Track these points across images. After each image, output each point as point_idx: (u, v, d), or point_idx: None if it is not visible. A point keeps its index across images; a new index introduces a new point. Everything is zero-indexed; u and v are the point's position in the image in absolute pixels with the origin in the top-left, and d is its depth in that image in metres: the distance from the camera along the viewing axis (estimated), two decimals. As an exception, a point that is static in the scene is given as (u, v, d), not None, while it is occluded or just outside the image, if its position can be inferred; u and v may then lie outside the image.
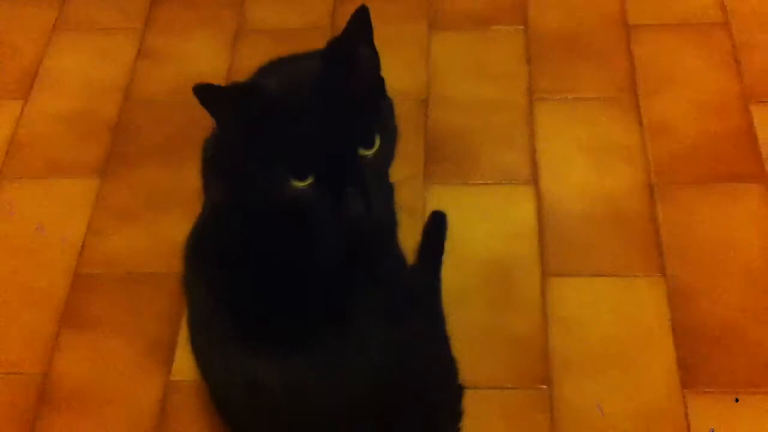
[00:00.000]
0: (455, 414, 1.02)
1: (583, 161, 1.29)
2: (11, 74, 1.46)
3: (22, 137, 1.37)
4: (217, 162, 0.98)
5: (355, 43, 0.89)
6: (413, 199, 1.26)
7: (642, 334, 1.12)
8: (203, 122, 1.37)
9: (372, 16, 1.48)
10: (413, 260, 1.15)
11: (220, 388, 0.94)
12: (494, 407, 1.07)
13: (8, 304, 1.19)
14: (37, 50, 1.48)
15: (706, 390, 1.07)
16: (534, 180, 1.27)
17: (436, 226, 1.20)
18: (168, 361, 1.12)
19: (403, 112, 1.34)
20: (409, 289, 0.99)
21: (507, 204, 1.25)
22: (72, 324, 1.17)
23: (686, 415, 1.06)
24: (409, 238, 1.20)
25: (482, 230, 1.23)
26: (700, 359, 1.09)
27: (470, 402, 1.05)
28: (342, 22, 1.46)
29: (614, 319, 1.13)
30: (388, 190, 1.01)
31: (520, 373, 1.09)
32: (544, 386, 1.08)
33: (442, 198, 1.26)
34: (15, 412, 1.10)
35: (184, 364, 1.11)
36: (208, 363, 0.93)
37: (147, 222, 1.26)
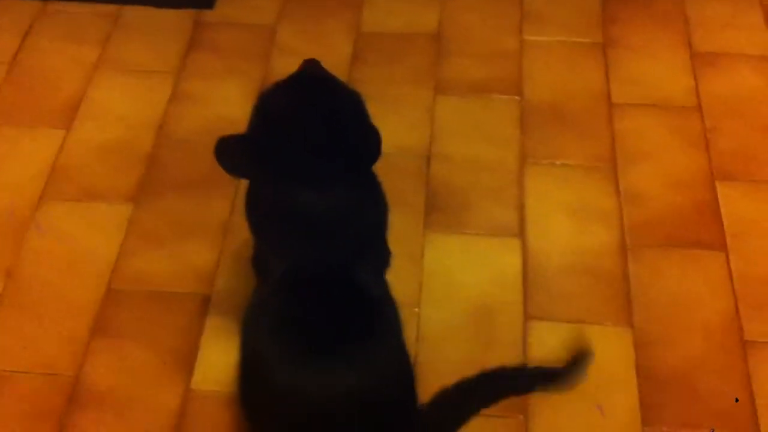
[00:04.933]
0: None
1: (565, 220, 1.45)
2: (55, 105, 1.60)
3: (64, 163, 1.51)
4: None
5: None
6: (413, 245, 1.40)
7: (610, 377, 1.26)
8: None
9: (385, 80, 1.67)
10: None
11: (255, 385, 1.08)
12: (476, 432, 1.21)
13: (47, 312, 1.32)
14: (80, 85, 1.63)
15: (663, 428, 1.21)
16: (521, 234, 1.42)
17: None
18: (188, 371, 1.25)
19: (408, 166, 1.52)
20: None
21: (496, 253, 1.40)
22: (102, 333, 1.30)
23: (644, 450, 1.20)
24: (408, 281, 1.35)
25: (473, 276, 1.38)
26: (659, 401, 1.23)
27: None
28: (359, 80, 1.64)
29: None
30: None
31: (499, 403, 1.23)
32: (521, 416, 1.22)
33: (438, 245, 1.41)
34: (47, 408, 1.22)
35: (204, 374, 1.25)
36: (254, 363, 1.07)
37: (172, 247, 1.40)
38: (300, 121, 1.08)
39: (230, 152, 1.09)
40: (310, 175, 1.08)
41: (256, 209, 1.15)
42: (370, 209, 1.14)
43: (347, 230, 1.10)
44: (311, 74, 1.12)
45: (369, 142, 1.08)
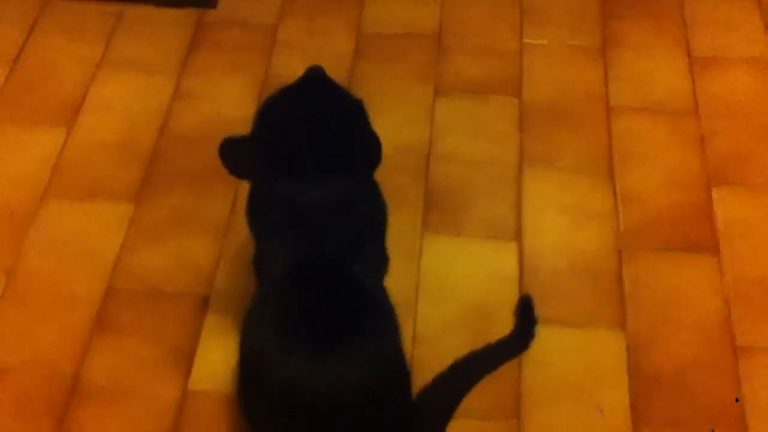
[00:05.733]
0: None
1: (562, 221, 1.46)
2: (58, 102, 1.62)
3: (66, 160, 1.53)
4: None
5: None
6: (411, 244, 1.42)
7: (601, 377, 1.28)
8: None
9: (386, 78, 1.69)
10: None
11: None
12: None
13: (48, 308, 1.34)
14: (82, 82, 1.64)
15: (654, 429, 1.23)
16: (518, 235, 1.44)
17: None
18: (187, 368, 1.27)
19: (407, 165, 1.54)
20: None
21: (493, 254, 1.41)
22: (103, 329, 1.32)
23: (635, 450, 1.22)
24: (405, 280, 1.36)
25: (469, 276, 1.39)
26: (650, 402, 1.25)
27: (448, 429, 1.20)
28: (359, 78, 1.65)
29: (579, 363, 1.29)
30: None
31: (493, 405, 1.24)
32: (514, 420, 1.23)
33: (436, 245, 1.43)
34: (47, 402, 1.24)
35: (202, 373, 1.27)
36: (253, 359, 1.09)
37: (173, 245, 1.42)
38: (301, 126, 1.10)
39: (233, 153, 1.12)
40: (309, 179, 1.10)
41: (257, 209, 1.17)
42: (368, 212, 1.16)
43: (344, 231, 1.12)
44: (315, 80, 1.15)
45: (369, 149, 1.10)
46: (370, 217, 1.17)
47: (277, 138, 1.12)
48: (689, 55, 1.69)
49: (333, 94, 1.15)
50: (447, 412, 1.19)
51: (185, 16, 1.76)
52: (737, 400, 1.24)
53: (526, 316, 1.29)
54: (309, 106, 1.12)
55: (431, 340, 1.31)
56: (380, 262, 1.21)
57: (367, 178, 1.15)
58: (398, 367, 1.12)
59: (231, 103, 1.62)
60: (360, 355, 1.05)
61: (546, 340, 1.31)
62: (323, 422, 1.05)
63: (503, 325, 1.32)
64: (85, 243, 1.42)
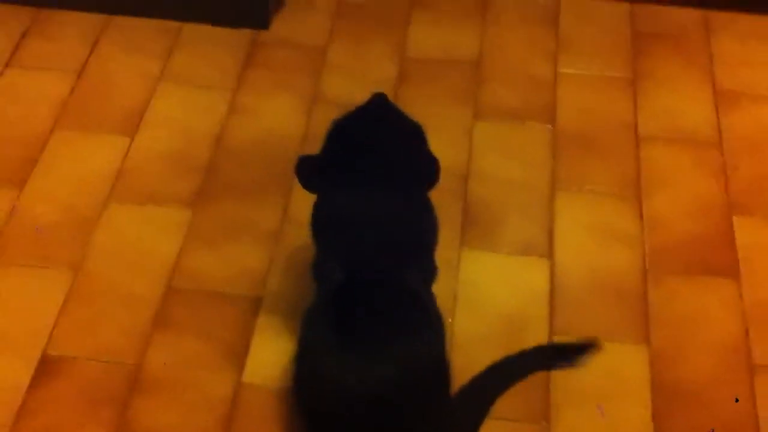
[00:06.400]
0: None
1: (591, 243, 1.55)
2: (120, 114, 1.72)
3: (127, 168, 1.63)
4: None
5: None
6: (449, 257, 1.51)
7: (626, 390, 1.36)
8: (277, 170, 1.64)
9: (428, 101, 1.78)
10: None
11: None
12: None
13: (112, 304, 1.44)
14: (143, 95, 1.75)
15: (673, 439, 1.32)
16: (549, 253, 1.53)
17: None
18: (240, 365, 1.37)
19: (446, 184, 1.62)
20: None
21: (525, 271, 1.51)
22: (162, 326, 1.41)
23: (655, 460, 1.31)
24: (444, 292, 1.42)
25: (502, 291, 1.48)
26: (670, 415, 1.33)
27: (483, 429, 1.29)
28: (402, 100, 1.74)
29: (605, 375, 1.37)
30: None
31: (523, 408, 1.33)
32: (545, 422, 1.33)
33: (473, 260, 1.52)
34: (110, 392, 1.33)
35: (255, 369, 1.36)
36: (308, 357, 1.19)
37: (227, 250, 1.52)
38: (363, 146, 1.21)
39: (305, 170, 1.23)
40: (368, 194, 1.20)
41: (322, 221, 1.27)
42: (423, 226, 1.26)
43: (401, 243, 1.22)
44: (378, 105, 1.26)
45: (426, 169, 1.21)
46: (422, 231, 1.27)
47: (342, 156, 1.23)
48: (714, 89, 1.79)
49: (394, 118, 1.26)
50: (481, 412, 1.27)
51: (239, 35, 1.87)
52: (737, 400, 1.33)
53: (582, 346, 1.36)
54: (371, 128, 1.23)
55: (466, 347, 1.40)
56: (429, 272, 1.31)
57: (422, 196, 1.25)
58: (440, 368, 1.21)
59: (282, 120, 1.72)
60: (405, 357, 1.15)
61: (575, 352, 1.39)
62: (368, 417, 1.14)
63: (534, 336, 1.41)
64: (144, 246, 1.52)
